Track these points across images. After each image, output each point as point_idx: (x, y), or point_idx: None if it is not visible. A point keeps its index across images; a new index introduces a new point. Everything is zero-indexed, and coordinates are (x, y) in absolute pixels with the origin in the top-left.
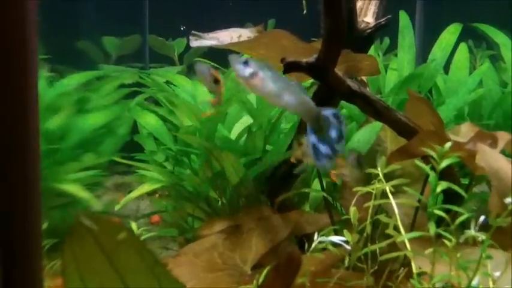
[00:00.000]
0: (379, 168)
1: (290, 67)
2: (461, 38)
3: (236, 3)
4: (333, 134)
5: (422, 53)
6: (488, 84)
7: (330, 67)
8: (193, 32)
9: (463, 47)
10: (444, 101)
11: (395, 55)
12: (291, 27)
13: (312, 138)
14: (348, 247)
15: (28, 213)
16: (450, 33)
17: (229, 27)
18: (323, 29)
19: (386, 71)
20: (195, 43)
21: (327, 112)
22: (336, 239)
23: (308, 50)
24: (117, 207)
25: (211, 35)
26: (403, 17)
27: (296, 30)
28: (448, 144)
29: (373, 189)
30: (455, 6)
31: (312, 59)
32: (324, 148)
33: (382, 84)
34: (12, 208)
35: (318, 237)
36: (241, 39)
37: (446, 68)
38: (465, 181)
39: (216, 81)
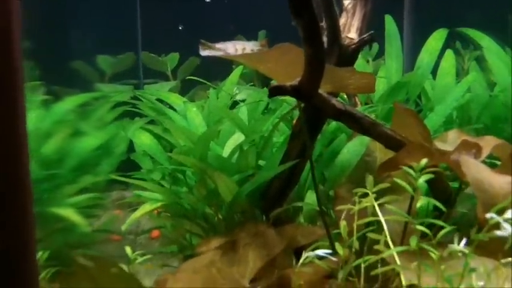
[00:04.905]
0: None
1: (275, 91)
2: (449, 41)
3: (227, 16)
4: None
5: (411, 58)
6: (475, 89)
7: (313, 90)
8: (202, 41)
9: (449, 54)
10: (433, 106)
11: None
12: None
13: None
14: (335, 259)
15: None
16: (436, 39)
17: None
18: (304, 55)
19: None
20: (205, 52)
21: None
22: (322, 252)
23: None
24: (123, 228)
25: (217, 45)
26: (389, 24)
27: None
28: (423, 161)
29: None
30: (443, 10)
31: (295, 82)
32: None
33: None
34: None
35: (304, 252)
36: (245, 51)
37: (434, 73)
38: (455, 184)
39: None
